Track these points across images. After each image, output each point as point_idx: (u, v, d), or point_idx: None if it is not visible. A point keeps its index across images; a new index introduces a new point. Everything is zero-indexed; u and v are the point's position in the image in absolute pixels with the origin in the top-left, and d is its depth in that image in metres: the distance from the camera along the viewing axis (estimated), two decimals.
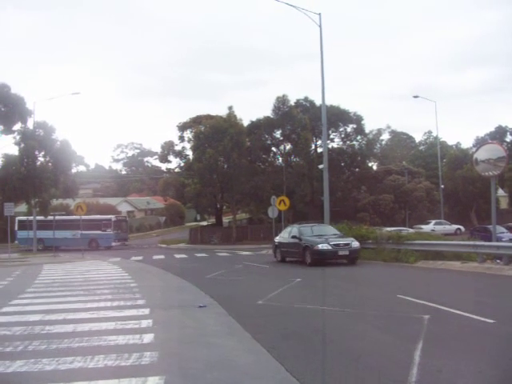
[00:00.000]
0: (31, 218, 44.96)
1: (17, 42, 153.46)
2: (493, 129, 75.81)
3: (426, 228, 42.78)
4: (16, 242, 48.20)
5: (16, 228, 48.05)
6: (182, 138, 53.19)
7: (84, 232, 43.13)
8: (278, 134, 49.73)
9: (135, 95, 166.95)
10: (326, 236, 21.80)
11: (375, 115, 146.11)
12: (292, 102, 50.09)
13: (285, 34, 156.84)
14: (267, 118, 49.12)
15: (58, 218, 45.64)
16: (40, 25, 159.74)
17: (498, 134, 72.29)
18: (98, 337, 8.20)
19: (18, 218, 48.03)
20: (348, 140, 53.56)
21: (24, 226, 46.91)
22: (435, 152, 57.52)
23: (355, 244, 21.26)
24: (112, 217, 48.45)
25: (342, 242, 21.17)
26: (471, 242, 19.96)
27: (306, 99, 52.90)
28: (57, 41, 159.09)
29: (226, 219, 61.07)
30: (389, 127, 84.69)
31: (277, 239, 24.99)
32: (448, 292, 12.76)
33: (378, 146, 69.26)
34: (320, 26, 29.72)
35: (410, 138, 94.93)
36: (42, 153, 32.66)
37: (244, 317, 9.74)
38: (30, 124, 32.82)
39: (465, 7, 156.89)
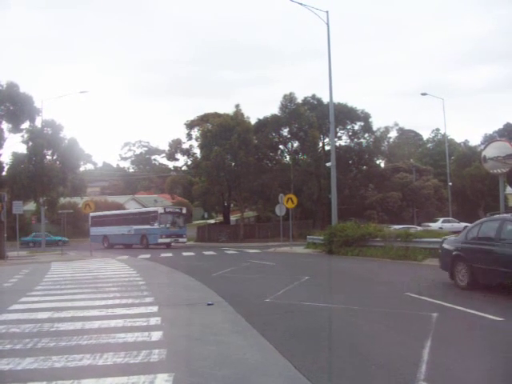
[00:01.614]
0: (106, 213, 43.20)
1: (25, 40, 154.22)
2: (501, 126, 75.56)
3: (434, 226, 42.60)
4: (90, 239, 45.51)
5: (89, 224, 45.37)
6: (189, 136, 53.36)
7: (136, 227, 40.91)
8: (285, 131, 49.79)
9: (143, 93, 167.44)
10: None
11: (383, 113, 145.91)
12: (299, 100, 50.15)
13: (293, 32, 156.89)
14: (274, 116, 49.14)
15: (115, 212, 43.46)
16: (48, 23, 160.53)
17: (507, 132, 71.97)
18: (107, 334, 8.22)
19: (91, 214, 44.80)
20: (355, 138, 53.52)
21: (97, 222, 44.46)
22: (443, 149, 57.35)
23: None
24: (159, 208, 42.69)
25: None
26: None
27: (313, 97, 52.92)
28: (65, 39, 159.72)
29: (233, 217, 61.14)
30: (396, 125, 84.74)
31: (456, 245, 13.45)
32: (456, 290, 12.69)
33: (386, 143, 69.30)
34: (328, 24, 29.74)
35: (418, 135, 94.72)
36: (50, 151, 32.70)
37: (252, 314, 9.75)
38: (38, 122, 32.90)
39: (473, 4, 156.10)
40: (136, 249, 40.07)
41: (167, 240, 40.07)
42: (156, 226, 39.62)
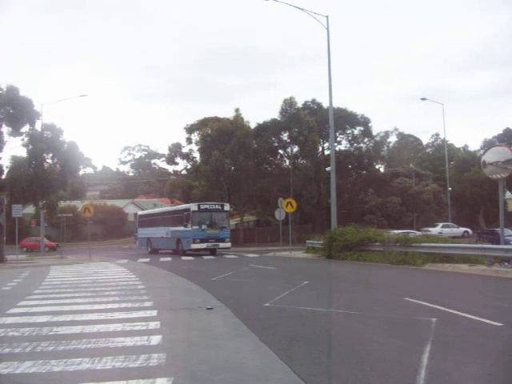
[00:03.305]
0: (152, 211, 40.16)
1: (25, 43, 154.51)
2: (501, 131, 75.47)
3: (434, 231, 42.67)
4: (137, 242, 42.08)
5: (137, 225, 41.50)
6: (189, 140, 53.43)
7: (172, 229, 34.44)
8: (285, 136, 49.89)
9: (143, 97, 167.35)
10: None
11: (382, 117, 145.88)
12: (299, 105, 50.24)
13: (293, 37, 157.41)
14: (274, 121, 49.23)
15: (159, 210, 39.51)
16: (48, 27, 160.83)
17: (506, 137, 71.93)
18: (106, 338, 8.22)
19: (138, 213, 42.53)
20: (355, 142, 53.64)
21: (143, 222, 40.06)
22: (443, 154, 57.40)
23: None
24: (191, 205, 33.85)
25: None
26: (479, 245, 19.88)
27: (313, 101, 53.01)
28: (65, 42, 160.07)
29: (232, 221, 61.07)
30: (396, 129, 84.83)
31: None
32: (456, 295, 12.70)
33: (386, 148, 69.28)
34: (327, 29, 29.78)
35: (418, 140, 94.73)
36: (50, 155, 32.78)
37: (251, 319, 9.73)
38: (38, 126, 32.99)
39: (473, 10, 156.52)
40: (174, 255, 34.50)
41: (202, 245, 32.16)
42: (189, 227, 32.04)
